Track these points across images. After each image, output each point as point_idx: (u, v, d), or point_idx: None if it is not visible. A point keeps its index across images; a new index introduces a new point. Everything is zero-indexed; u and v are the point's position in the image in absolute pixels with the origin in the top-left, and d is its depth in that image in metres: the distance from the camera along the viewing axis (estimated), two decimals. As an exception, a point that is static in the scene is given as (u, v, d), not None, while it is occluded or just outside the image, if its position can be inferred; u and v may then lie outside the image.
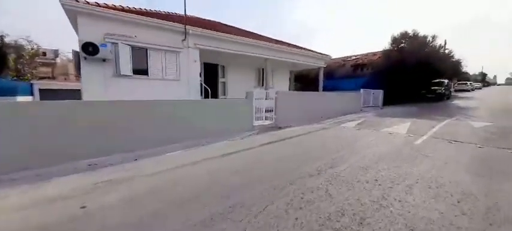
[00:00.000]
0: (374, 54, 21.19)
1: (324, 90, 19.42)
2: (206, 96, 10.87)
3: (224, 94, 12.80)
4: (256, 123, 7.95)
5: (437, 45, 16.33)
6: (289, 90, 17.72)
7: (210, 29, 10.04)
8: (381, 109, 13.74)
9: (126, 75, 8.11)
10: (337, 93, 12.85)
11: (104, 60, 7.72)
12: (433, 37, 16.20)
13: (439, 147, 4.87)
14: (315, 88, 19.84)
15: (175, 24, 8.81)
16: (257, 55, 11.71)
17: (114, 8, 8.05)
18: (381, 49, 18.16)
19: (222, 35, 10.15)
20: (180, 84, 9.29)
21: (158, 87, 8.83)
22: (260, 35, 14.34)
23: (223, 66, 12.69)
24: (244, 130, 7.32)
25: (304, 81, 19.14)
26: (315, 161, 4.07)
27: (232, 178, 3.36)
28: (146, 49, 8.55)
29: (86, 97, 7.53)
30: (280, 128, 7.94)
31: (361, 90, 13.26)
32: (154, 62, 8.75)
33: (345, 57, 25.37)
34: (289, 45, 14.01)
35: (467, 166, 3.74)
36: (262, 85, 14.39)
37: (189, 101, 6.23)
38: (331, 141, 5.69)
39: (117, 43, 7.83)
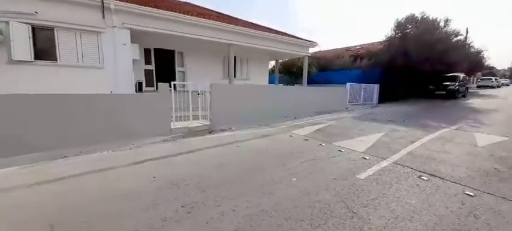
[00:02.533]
0: (378, 43, 18.19)
1: (313, 83, 16.97)
2: (140, 90, 9.04)
3: (183, 87, 10.86)
4: (179, 125, 5.99)
5: (452, 31, 13.16)
6: (276, 83, 15.50)
7: (152, 5, 8.06)
8: (373, 107, 11.20)
9: (25, 61, 6.42)
10: (313, 88, 10.52)
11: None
12: (446, 21, 13.03)
13: (396, 189, 2.67)
14: (308, 81, 17.46)
15: (89, -4, 6.91)
16: (217, 39, 9.61)
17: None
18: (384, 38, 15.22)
19: (164, 13, 8.14)
20: (104, 72, 7.47)
21: (73, 75, 7.07)
22: (227, 16, 12.12)
23: (182, 53, 10.72)
24: (156, 135, 5.40)
25: (292, 72, 16.72)
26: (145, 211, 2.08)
27: None
28: (53, 29, 6.77)
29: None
30: (210, 132, 5.93)
31: (348, 84, 10.78)
32: (65, 45, 6.98)
33: (346, 47, 22.46)
34: (262, 28, 11.71)
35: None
36: (234, 75, 12.33)
37: (71, 95, 4.43)
38: (239, 161, 3.62)
39: (7, 22, 6.12)
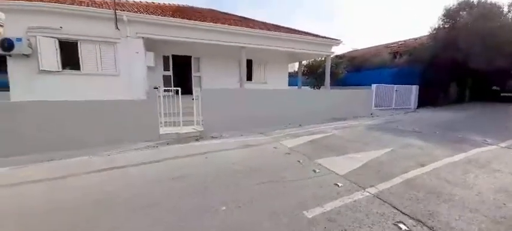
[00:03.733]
0: (426, 37, 15.29)
1: (342, 85, 15.24)
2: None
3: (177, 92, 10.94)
4: (169, 130, 5.84)
5: None
6: (299, 86, 14.50)
7: (171, 14, 8.29)
8: (406, 113, 9.29)
9: (52, 71, 7.23)
10: (331, 91, 9.30)
11: (28, 56, 7.00)
12: (511, 5, 9.86)
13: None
14: (337, 83, 15.87)
15: (103, 10, 7.40)
16: (227, 43, 9.33)
17: (33, -2, 7.18)
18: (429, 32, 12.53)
19: (174, 21, 8.24)
20: (119, 79, 7.93)
21: (94, 82, 7.69)
22: (241, 18, 11.69)
23: (198, 58, 10.80)
24: (144, 140, 5.37)
25: (316, 73, 15.33)
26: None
27: None
28: (77, 42, 7.47)
29: (13, 97, 6.99)
30: (197, 139, 5.62)
31: (373, 85, 9.16)
32: (87, 55, 7.62)
33: (387, 44, 19.70)
34: (277, 28, 10.94)
35: None
36: (250, 79, 11.90)
37: (61, 102, 4.73)
38: (191, 178, 3.16)
39: (35, 37, 6.97)
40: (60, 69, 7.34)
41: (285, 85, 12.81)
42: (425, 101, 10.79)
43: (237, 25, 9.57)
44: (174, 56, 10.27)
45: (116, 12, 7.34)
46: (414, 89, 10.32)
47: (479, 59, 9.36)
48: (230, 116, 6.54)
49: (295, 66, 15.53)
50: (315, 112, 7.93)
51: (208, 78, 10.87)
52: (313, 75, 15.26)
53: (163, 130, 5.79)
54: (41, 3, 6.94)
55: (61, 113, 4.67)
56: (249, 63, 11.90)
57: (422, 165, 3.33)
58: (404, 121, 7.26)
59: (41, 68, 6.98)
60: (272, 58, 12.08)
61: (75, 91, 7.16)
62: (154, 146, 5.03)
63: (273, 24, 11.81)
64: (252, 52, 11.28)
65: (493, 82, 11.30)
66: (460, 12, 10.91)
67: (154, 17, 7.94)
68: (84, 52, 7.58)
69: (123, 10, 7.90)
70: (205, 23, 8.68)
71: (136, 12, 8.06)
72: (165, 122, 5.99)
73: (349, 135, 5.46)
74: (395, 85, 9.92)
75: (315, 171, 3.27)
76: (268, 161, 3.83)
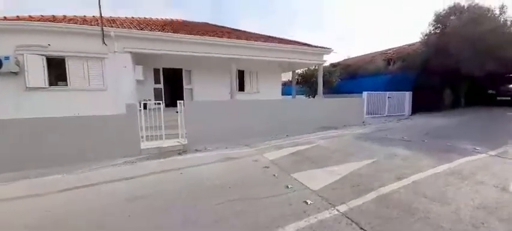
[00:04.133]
0: (419, 44, 15.22)
1: (336, 93, 15.10)
2: (145, 108, 9.19)
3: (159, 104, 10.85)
4: (151, 145, 5.69)
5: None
6: (293, 95, 14.40)
7: (160, 29, 8.34)
8: (400, 120, 9.06)
9: (39, 88, 7.20)
10: (320, 100, 9.14)
11: (16, 73, 7.00)
12: (502, 7, 9.75)
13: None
14: (331, 91, 15.75)
15: (90, 27, 7.44)
16: (216, 55, 9.32)
17: (19, 18, 7.26)
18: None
19: (159, 35, 8.27)
20: (107, 94, 7.88)
21: (82, 98, 7.63)
22: (232, 30, 11.76)
23: (189, 71, 10.78)
24: (124, 155, 5.21)
25: (310, 82, 15.24)
26: None
27: None
28: (64, 58, 7.48)
29: (1, 114, 6.93)
30: (180, 153, 5.46)
31: (364, 93, 9.00)
32: (74, 71, 7.61)
33: (382, 51, 19.69)
34: (268, 39, 10.96)
35: None
36: (242, 90, 11.84)
37: (36, 119, 4.64)
38: (150, 199, 2.98)
39: (22, 55, 6.98)
40: (47, 86, 7.31)
41: (278, 95, 12.71)
42: (420, 107, 10.57)
43: (226, 37, 9.59)
44: (165, 69, 10.27)
45: (103, 28, 7.37)
46: (407, 95, 10.14)
47: (470, 65, 9.21)
48: (216, 129, 6.39)
49: (290, 75, 15.47)
50: (304, 122, 7.75)
51: (199, 89, 10.82)
52: (307, 83, 15.17)
53: (145, 145, 5.63)
54: (30, 23, 7.02)
55: (37, 130, 4.56)
56: (241, 73, 11.89)
57: (403, 178, 3.12)
58: (395, 129, 7.04)
59: (27, 85, 6.96)
60: (264, 68, 12.05)
61: (63, 107, 7.09)
62: (132, 162, 4.86)
63: (264, 35, 11.87)
64: (244, 63, 11.25)
65: (488, 86, 11.08)
66: (450, 17, 10.86)
67: (141, 31, 7.98)
68: (72, 68, 7.57)
69: (112, 26, 7.97)
70: (191, 35, 8.71)
71: (126, 28, 8.11)
72: (149, 136, 5.85)
73: (334, 145, 5.26)
74: (388, 92, 9.75)
75: (288, 187, 3.07)
76: (244, 176, 3.64)
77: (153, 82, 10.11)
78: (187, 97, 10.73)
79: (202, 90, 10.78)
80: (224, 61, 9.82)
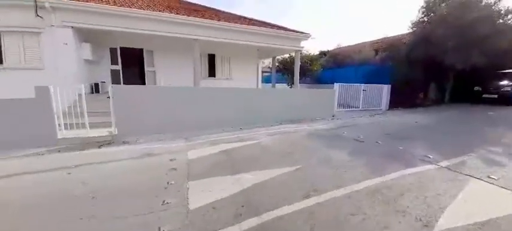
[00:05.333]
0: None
1: (318, 83, 14.32)
2: (97, 91, 8.40)
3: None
4: (71, 134, 4.97)
5: (505, 9, 8.73)
6: (272, 83, 13.59)
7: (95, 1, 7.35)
8: (373, 115, 8.37)
9: (-32, 64, 6.37)
10: (284, 90, 8.38)
11: None
12: None
13: None
14: (315, 80, 14.95)
15: (21, -5, 6.47)
16: (175, 34, 8.41)
17: None
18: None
19: (102, 8, 7.27)
20: (44, 73, 7.04)
21: (19, 77, 6.79)
22: (203, 8, 10.71)
23: (152, 52, 9.87)
24: (36, 145, 4.52)
25: (290, 70, 14.36)
26: None
27: None
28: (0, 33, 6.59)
29: None
30: (101, 146, 4.76)
31: (336, 84, 8.23)
32: (9, 48, 6.75)
33: (373, 40, 18.66)
34: (241, 20, 9.99)
35: None
36: (213, 75, 11.01)
37: None
38: None
39: None
40: (-23, 63, 6.47)
41: (253, 82, 11.89)
42: (399, 102, 9.87)
43: (189, 15, 8.62)
44: (122, 49, 9.34)
45: (34, -3, 6.41)
46: (385, 89, 9.39)
47: (456, 56, 8.39)
48: (157, 118, 5.67)
49: (268, 62, 14.56)
50: (268, 114, 7.05)
51: (163, 73, 9.96)
52: (287, 71, 14.29)
53: (64, 134, 4.91)
54: None
55: None
56: (212, 57, 11.01)
57: (312, 195, 2.45)
58: (358, 126, 6.36)
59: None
60: (238, 53, 11.14)
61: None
62: (38, 154, 4.18)
63: (236, 15, 10.85)
64: (214, 46, 10.37)
65: (475, 83, 10.35)
66: (441, 4, 9.89)
67: (80, 3, 7.00)
68: (7, 45, 6.72)
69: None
70: (142, 11, 7.73)
71: None
72: (75, 124, 5.12)
73: (276, 144, 4.58)
74: (363, 85, 8.98)
75: (164, 202, 2.40)
76: (138, 181, 2.97)
77: (110, 63, 9.22)
78: (150, 80, 9.91)
79: (166, 74, 9.92)
80: (190, 42, 8.92)
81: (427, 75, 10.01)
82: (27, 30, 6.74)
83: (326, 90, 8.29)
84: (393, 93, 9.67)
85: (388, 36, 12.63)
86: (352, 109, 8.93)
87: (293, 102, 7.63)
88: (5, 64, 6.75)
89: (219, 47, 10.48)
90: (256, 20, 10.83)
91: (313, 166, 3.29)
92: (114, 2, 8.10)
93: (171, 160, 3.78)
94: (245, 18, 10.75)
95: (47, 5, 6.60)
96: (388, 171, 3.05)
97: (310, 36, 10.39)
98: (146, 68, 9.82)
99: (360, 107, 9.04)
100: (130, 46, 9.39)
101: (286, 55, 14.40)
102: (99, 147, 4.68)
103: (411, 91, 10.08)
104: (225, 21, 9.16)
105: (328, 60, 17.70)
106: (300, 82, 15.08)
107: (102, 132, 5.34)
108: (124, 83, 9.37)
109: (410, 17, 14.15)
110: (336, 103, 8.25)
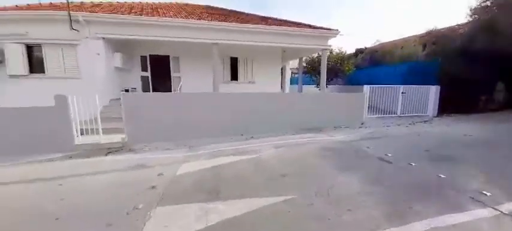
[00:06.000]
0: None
1: (351, 84, 12.70)
2: None
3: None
4: (88, 140, 5.16)
5: None
6: (299, 85, 12.67)
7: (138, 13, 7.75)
8: (415, 123, 6.84)
9: (20, 75, 7.32)
10: (304, 95, 7.45)
11: (0, 62, 7.22)
12: None
13: None
14: (348, 81, 13.41)
15: (62, 12, 7.12)
16: (198, 40, 8.35)
17: (-3, 6, 7.31)
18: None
19: (131, 18, 7.58)
20: (81, 82, 7.67)
21: (59, 85, 7.51)
22: (221, 10, 10.38)
23: (178, 58, 10.05)
24: (56, 151, 4.82)
25: (317, 71, 13.06)
26: None
27: None
28: (41, 45, 7.44)
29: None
30: (109, 153, 4.82)
31: (365, 87, 6.95)
32: (51, 59, 7.55)
33: (421, 34, 15.93)
34: (262, 20, 9.39)
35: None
36: (236, 78, 10.71)
37: None
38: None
39: (3, 43, 7.09)
40: (27, 73, 7.39)
41: (277, 85, 11.17)
42: (453, 106, 7.93)
43: (209, 19, 8.45)
44: (151, 56, 9.73)
45: (69, 13, 7.01)
46: (433, 90, 7.62)
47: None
48: (166, 125, 5.57)
49: (297, 63, 13.58)
50: (283, 121, 6.37)
51: (188, 78, 10.05)
52: (315, 71, 13.08)
53: (81, 140, 5.14)
54: (7, 13, 7.04)
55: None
56: (235, 61, 10.71)
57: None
58: (389, 138, 5.15)
59: (8, 73, 7.11)
60: (260, 55, 10.59)
61: (41, 94, 7.08)
62: (50, 160, 4.39)
63: (258, 17, 10.31)
64: (235, 49, 10.06)
65: None
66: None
67: (110, 15, 7.42)
68: (49, 56, 7.51)
69: (92, 11, 7.59)
70: (165, 18, 7.83)
71: (106, 12, 7.65)
72: (95, 129, 5.33)
73: (275, 161, 3.88)
74: (402, 86, 7.44)
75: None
76: (109, 200, 2.73)
77: (140, 70, 9.70)
78: (176, 85, 10.11)
79: (191, 78, 9.99)
80: (211, 47, 8.80)
81: (491, 72, 7.81)
82: (66, 42, 7.42)
83: (354, 94, 7.12)
84: (444, 95, 7.82)
85: (438, 28, 10.34)
86: (389, 115, 7.49)
87: (314, 107, 6.73)
88: (47, 73, 7.57)
89: (241, 50, 10.11)
90: (278, 19, 10.12)
91: (308, 198, 2.55)
92: (141, 11, 8.43)
93: (158, 174, 3.47)
94: (269, 18, 10.14)
95: (80, 18, 7.16)
96: (414, 217, 2.12)
97: (339, 32, 9.18)
98: (172, 74, 10.05)
99: (398, 113, 7.53)
100: (159, 54, 9.72)
101: (315, 55, 13.23)
102: (106, 155, 4.72)
103: (469, 93, 8.01)
104: (245, 22, 8.73)
105: (364, 58, 15.81)
106: (330, 84, 13.77)
107: (115, 138, 5.45)
108: (153, 89, 9.77)
109: (467, 2, 11.52)
110: (366, 108, 7.00)
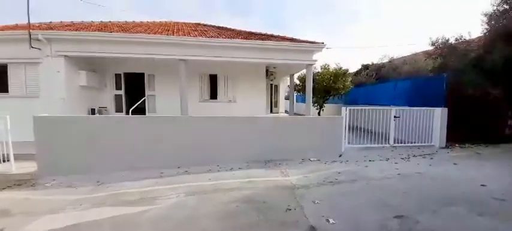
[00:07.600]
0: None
1: (349, 103, 11.00)
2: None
3: (155, 112, 9.45)
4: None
5: None
6: (290, 103, 11.35)
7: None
8: (415, 156, 5.15)
9: (-16, 95, 7.04)
10: (251, 118, 6.04)
11: (-36, 81, 7.02)
12: None
13: None
14: (347, 101, 11.81)
15: (23, 31, 6.77)
16: (166, 56, 7.61)
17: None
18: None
19: (93, 35, 7.08)
20: (40, 101, 7.17)
21: (20, 105, 7.10)
22: (195, 25, 9.58)
23: (153, 76, 9.37)
24: None
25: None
26: None
27: None
28: (6, 65, 7.15)
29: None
30: (5, 188, 3.91)
31: (344, 108, 5.43)
32: (15, 78, 7.22)
33: (428, 50, 13.96)
34: (235, 34, 8.44)
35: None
36: (215, 97, 9.72)
37: None
38: None
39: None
40: (-11, 94, 7.09)
41: (261, 105, 9.93)
42: (468, 133, 6.06)
43: (178, 34, 7.70)
44: (126, 74, 9.17)
45: (29, 32, 6.65)
46: (438, 114, 5.86)
47: None
48: (84, 155, 4.60)
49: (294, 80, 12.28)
50: (230, 151, 5.10)
51: (163, 96, 9.29)
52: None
53: (-11, 170, 4.34)
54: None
55: None
56: (214, 78, 9.78)
57: None
58: (358, 184, 3.60)
59: (-33, 92, 6.85)
60: (241, 72, 9.55)
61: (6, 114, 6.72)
62: None
63: (239, 31, 9.40)
64: (215, 66, 9.18)
65: None
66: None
67: (70, 32, 6.97)
68: (13, 76, 7.19)
69: (51, 29, 7.26)
70: (127, 33, 7.22)
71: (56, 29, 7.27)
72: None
73: (157, 225, 2.62)
74: (394, 108, 5.80)
75: None
76: None
77: (114, 88, 9.16)
78: (150, 104, 9.38)
79: (165, 97, 9.21)
80: (191, 64, 8.04)
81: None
82: (29, 61, 7.06)
83: (330, 118, 5.65)
84: (454, 118, 6.01)
85: (446, 37, 8.41)
86: (381, 145, 5.82)
87: (280, 134, 5.39)
88: (10, 93, 7.19)
89: (221, 67, 9.21)
90: (262, 34, 9.11)
91: None
92: (106, 28, 7.98)
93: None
94: (254, 33, 9.18)
95: (40, 37, 6.77)
96: None
97: (324, 46, 7.87)
98: (147, 92, 9.35)
99: (391, 142, 5.84)
100: (134, 71, 9.15)
101: (304, 73, 11.88)
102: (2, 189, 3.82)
103: (487, 116, 6.11)
104: (223, 37, 7.86)
105: (369, 75, 14.15)
106: (327, 103, 12.19)
107: (32, 168, 4.59)
108: (126, 108, 9.13)
109: (480, 8, 9.64)
110: (344, 136, 5.45)
